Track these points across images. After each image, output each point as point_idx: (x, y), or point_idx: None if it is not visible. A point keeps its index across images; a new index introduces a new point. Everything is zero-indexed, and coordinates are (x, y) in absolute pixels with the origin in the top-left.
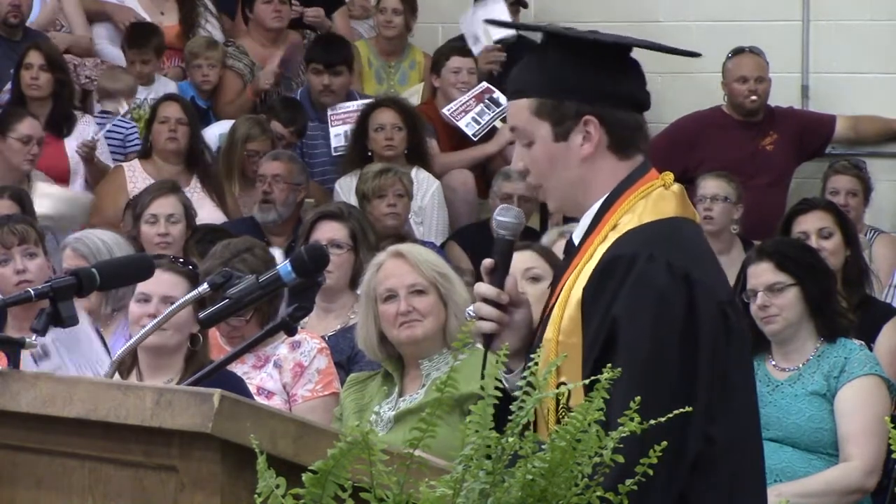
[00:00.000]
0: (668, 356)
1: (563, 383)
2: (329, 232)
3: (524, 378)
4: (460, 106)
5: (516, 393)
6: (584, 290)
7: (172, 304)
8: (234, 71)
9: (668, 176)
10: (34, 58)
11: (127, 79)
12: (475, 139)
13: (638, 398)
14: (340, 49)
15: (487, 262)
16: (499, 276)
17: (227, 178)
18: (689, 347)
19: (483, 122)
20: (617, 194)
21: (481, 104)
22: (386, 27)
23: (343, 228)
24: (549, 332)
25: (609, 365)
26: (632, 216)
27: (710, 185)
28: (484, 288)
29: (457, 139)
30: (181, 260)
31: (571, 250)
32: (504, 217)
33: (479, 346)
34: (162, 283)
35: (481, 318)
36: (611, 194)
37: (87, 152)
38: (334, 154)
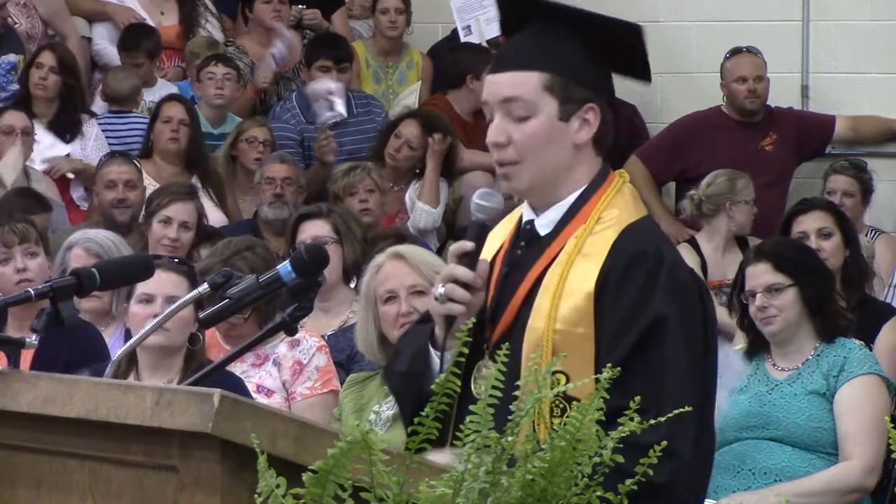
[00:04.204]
0: (698, 353)
1: (562, 372)
2: (312, 230)
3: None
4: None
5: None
6: (601, 281)
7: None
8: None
9: (626, 174)
10: (46, 58)
11: (133, 79)
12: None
13: (637, 397)
14: (345, 46)
15: (466, 245)
16: (471, 259)
17: (230, 178)
18: (704, 342)
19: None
20: (594, 188)
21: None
22: (390, 28)
23: (325, 225)
24: (537, 321)
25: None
26: (615, 211)
27: (748, 187)
28: (460, 271)
29: (479, 135)
30: (177, 259)
31: (536, 240)
32: (485, 202)
33: (440, 328)
34: (164, 283)
35: (451, 300)
36: (588, 187)
37: (57, 172)
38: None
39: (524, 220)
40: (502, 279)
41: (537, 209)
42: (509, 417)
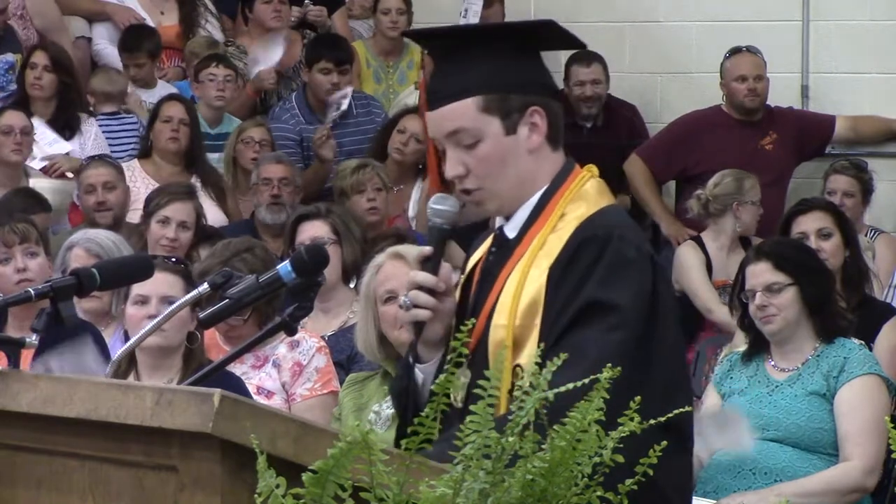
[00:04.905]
0: (639, 328)
1: (519, 365)
2: (311, 230)
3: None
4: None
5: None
6: (552, 270)
7: (171, 303)
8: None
9: (594, 168)
10: (39, 58)
11: (121, 81)
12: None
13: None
14: (346, 47)
15: (425, 249)
16: (433, 264)
17: (234, 181)
18: (652, 319)
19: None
20: (557, 185)
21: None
22: (391, 28)
23: (324, 225)
24: (501, 319)
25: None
26: (581, 204)
27: (755, 187)
28: (422, 276)
29: None
30: (174, 259)
31: (506, 244)
32: (440, 206)
33: (410, 334)
34: (159, 283)
35: (416, 307)
36: (550, 186)
37: (57, 170)
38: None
39: (496, 225)
40: (479, 286)
41: (507, 214)
42: (509, 417)
